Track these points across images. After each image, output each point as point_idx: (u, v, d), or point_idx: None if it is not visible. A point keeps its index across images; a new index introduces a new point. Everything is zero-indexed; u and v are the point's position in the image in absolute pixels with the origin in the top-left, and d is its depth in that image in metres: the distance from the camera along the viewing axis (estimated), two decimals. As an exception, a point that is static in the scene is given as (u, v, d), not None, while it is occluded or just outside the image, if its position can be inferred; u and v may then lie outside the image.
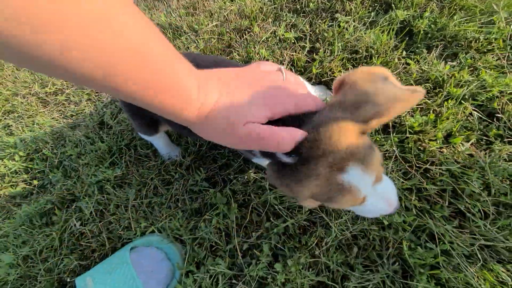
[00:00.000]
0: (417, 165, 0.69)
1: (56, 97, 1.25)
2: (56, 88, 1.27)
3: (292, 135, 0.36)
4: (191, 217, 0.79)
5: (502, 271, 0.56)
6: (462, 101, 0.73)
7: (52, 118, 1.17)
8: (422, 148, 0.70)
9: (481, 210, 0.62)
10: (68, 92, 1.24)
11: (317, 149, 0.37)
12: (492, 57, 0.78)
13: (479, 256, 0.57)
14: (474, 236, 0.60)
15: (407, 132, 0.72)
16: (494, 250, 0.58)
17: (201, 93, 0.34)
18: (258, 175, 0.81)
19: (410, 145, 0.71)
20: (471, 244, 0.59)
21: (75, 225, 0.84)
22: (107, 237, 0.81)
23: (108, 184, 0.90)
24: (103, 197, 0.88)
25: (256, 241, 0.73)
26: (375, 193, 0.41)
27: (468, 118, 0.72)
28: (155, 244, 0.77)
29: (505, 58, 0.77)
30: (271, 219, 0.74)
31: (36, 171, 1.03)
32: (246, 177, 0.81)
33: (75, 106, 1.18)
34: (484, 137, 0.70)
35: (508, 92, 0.71)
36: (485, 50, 0.80)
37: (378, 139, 0.74)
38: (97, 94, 1.19)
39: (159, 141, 0.87)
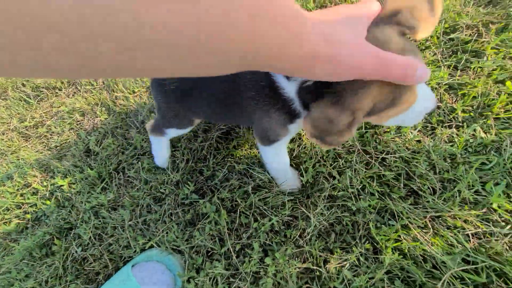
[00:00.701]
0: (376, 155, 0.80)
1: (37, 130, 1.27)
2: (35, 121, 1.29)
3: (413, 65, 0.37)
4: (185, 228, 0.86)
5: (450, 236, 0.68)
6: (408, 95, 0.84)
7: (37, 151, 1.20)
8: (378, 140, 0.81)
9: (430, 187, 0.73)
10: (48, 123, 1.26)
11: None
12: (429, 54, 0.90)
13: (430, 226, 0.69)
14: (426, 210, 0.71)
15: (364, 127, 0.83)
16: (442, 219, 0.70)
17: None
18: (243, 181, 0.90)
19: (368, 139, 0.82)
20: (424, 217, 0.70)
21: (76, 251, 0.89)
22: (109, 259, 0.86)
23: (102, 209, 0.95)
24: (100, 221, 0.93)
25: (247, 241, 0.81)
26: (421, 89, 0.47)
27: (414, 109, 0.84)
28: (155, 258, 0.84)
29: (440, 53, 0.90)
30: (258, 219, 0.82)
31: (28, 205, 1.06)
32: (231, 184, 0.89)
33: (58, 136, 1.21)
34: (428, 124, 0.82)
35: (444, 83, 0.84)
36: (423, 48, 0.92)
37: (342, 136, 0.85)
38: (78, 122, 1.23)
39: (164, 143, 0.92)
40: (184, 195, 0.91)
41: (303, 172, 0.83)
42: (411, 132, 0.81)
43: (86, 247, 0.90)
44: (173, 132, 0.85)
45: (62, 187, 1.05)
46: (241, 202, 0.85)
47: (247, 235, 0.82)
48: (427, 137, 0.80)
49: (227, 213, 0.85)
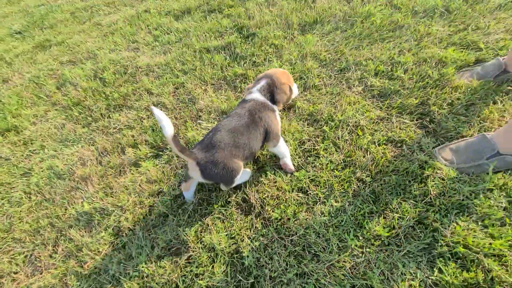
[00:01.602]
0: (287, 238, 1.26)
1: (-1, 325, 1.30)
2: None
3: None
4: None
5: (340, 274, 1.14)
6: (291, 192, 1.39)
7: None
8: (285, 228, 1.29)
9: (322, 247, 1.22)
10: (12, 313, 1.32)
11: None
12: (295, 162, 1.51)
13: (328, 272, 1.15)
14: (324, 263, 1.18)
15: (276, 221, 1.31)
16: (332, 264, 1.17)
17: None
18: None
19: (279, 229, 1.29)
20: (324, 268, 1.16)
21: None
22: None
23: None
24: None
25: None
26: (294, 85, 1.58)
27: (298, 197, 1.38)
28: None
29: (300, 159, 1.52)
30: (230, 317, 1.13)
31: None
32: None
33: (28, 322, 1.28)
34: (310, 206, 1.36)
35: (307, 178, 1.42)
36: (297, 167, 1.54)
37: (264, 233, 1.30)
38: (47, 299, 1.33)
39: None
40: (169, 324, 1.15)
41: (246, 258, 1.21)
42: (301, 214, 1.32)
43: None
44: (239, 176, 1.36)
45: None
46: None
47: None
48: (311, 214, 1.33)
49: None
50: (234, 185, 1.38)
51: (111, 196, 1.62)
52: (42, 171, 1.89)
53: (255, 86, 1.46)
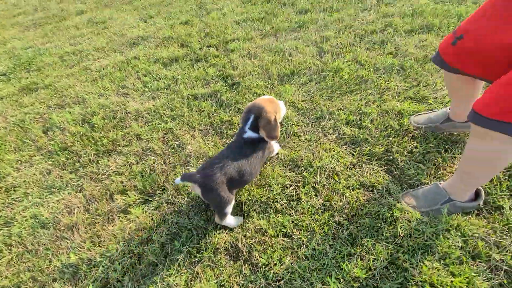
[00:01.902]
0: (276, 278, 1.34)
1: None
2: None
3: None
4: None
5: (325, 317, 1.22)
6: (276, 237, 1.49)
7: None
8: (273, 271, 1.38)
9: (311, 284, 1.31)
10: None
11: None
12: (276, 205, 1.64)
13: (313, 317, 1.23)
14: (309, 307, 1.26)
15: (264, 266, 1.39)
16: (318, 309, 1.25)
17: None
18: None
19: (271, 272, 1.37)
20: (309, 312, 1.24)
21: None
22: None
23: None
24: None
25: None
26: (281, 104, 1.72)
27: (283, 242, 1.48)
28: None
29: (282, 203, 1.65)
30: None
31: None
32: None
33: None
34: (294, 250, 1.46)
35: (291, 223, 1.54)
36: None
37: (252, 279, 1.37)
38: None
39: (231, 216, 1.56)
40: None
41: (239, 316, 1.26)
42: (287, 260, 1.42)
43: None
44: (230, 208, 1.48)
45: None
46: None
47: None
48: (296, 258, 1.42)
49: None
50: (225, 219, 1.50)
51: (99, 246, 1.63)
52: (25, 220, 1.85)
53: (246, 124, 1.56)
